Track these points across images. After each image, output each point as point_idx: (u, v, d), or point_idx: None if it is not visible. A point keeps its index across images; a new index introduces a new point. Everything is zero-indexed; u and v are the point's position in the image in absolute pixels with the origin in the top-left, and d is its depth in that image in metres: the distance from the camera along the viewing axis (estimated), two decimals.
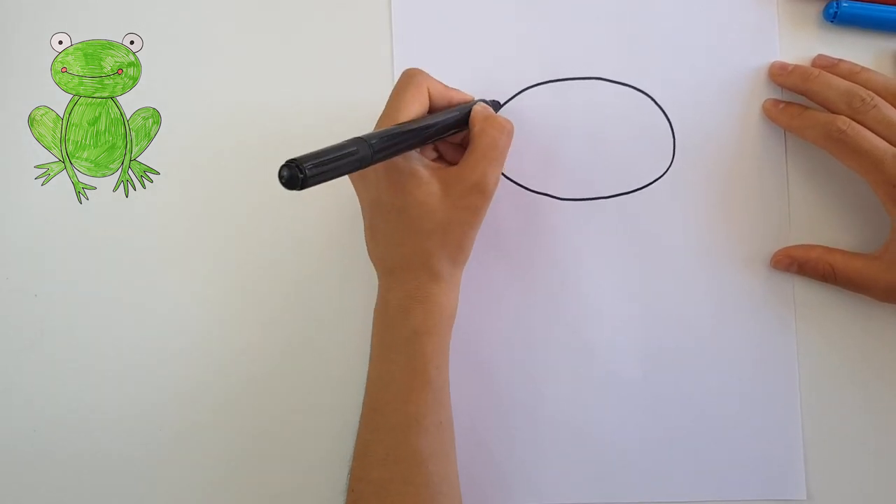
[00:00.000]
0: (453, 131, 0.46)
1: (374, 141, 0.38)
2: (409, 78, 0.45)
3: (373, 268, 0.48)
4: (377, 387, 0.45)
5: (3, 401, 0.52)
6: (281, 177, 0.35)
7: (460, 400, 0.47)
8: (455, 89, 0.48)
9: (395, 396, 0.44)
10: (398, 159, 0.43)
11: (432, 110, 0.46)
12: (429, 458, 0.43)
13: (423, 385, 0.44)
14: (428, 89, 0.45)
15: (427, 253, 0.45)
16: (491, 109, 0.48)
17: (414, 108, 0.44)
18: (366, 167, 0.38)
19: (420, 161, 0.45)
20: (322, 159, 0.36)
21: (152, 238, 0.52)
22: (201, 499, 0.51)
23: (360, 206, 0.47)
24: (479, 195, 0.45)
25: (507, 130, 0.46)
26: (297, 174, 0.34)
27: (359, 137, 0.38)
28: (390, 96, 0.45)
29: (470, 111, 0.47)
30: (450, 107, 0.47)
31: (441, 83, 0.47)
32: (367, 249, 0.48)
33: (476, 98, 0.49)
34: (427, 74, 0.46)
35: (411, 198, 0.44)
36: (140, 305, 0.52)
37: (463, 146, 0.47)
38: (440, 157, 0.49)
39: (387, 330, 0.46)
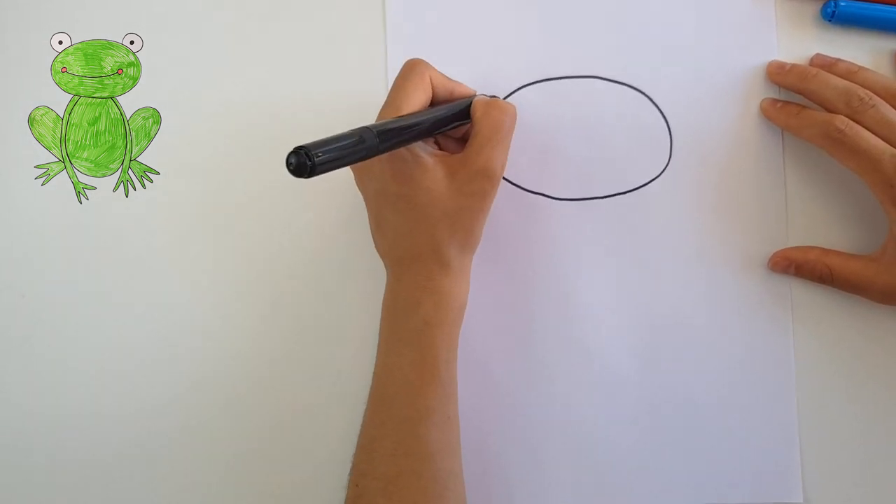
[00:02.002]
0: (456, 124, 0.46)
1: (380, 130, 0.38)
2: (412, 67, 0.45)
3: (374, 265, 0.47)
4: (385, 380, 0.45)
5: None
6: (289, 164, 0.35)
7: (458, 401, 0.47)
8: (457, 82, 0.48)
9: (403, 389, 0.44)
10: (402, 149, 0.43)
11: (435, 101, 0.46)
12: (437, 453, 0.43)
13: (432, 378, 0.44)
14: (430, 79, 0.45)
15: (436, 241, 0.44)
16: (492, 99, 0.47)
17: (417, 98, 0.44)
18: (372, 157, 0.38)
19: (424, 149, 0.44)
20: (330, 147, 0.35)
21: (152, 238, 0.52)
22: (197, 499, 0.51)
23: (363, 199, 0.47)
24: (485, 179, 0.44)
25: (511, 113, 0.46)
26: (306, 161, 0.34)
27: (365, 127, 0.38)
28: (393, 86, 0.45)
29: (471, 103, 0.46)
30: (452, 98, 0.47)
31: (443, 75, 0.46)
32: (374, 242, 0.48)
33: (477, 94, 0.49)
34: (429, 65, 0.45)
35: (417, 185, 0.43)
36: (140, 305, 0.52)
37: (464, 140, 0.47)
38: (441, 150, 0.48)
39: (396, 322, 0.45)
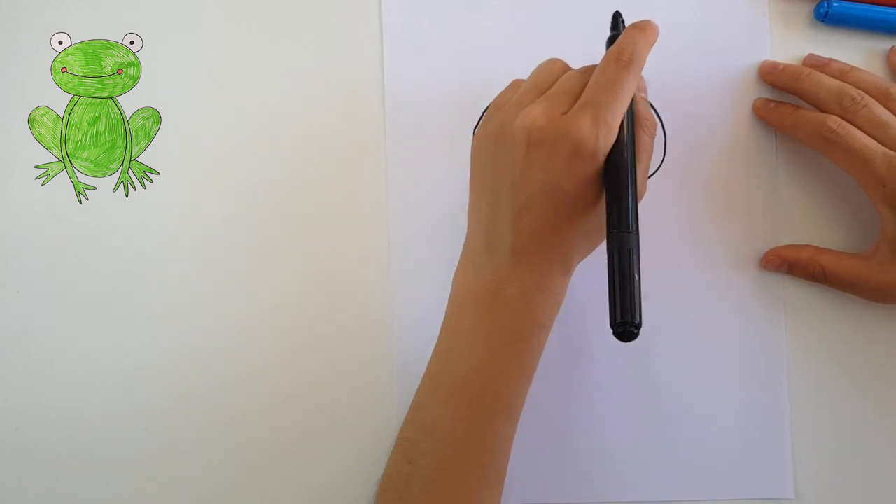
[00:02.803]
0: None
1: (636, 227, 0.41)
2: None
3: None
4: (469, 367, 0.43)
5: None
6: (618, 335, 0.39)
7: None
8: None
9: (492, 382, 0.43)
10: (600, 153, 0.42)
11: None
12: (503, 448, 0.43)
13: (524, 377, 0.44)
14: None
15: (574, 247, 0.44)
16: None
17: None
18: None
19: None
20: (636, 299, 0.39)
21: (152, 238, 0.52)
22: (190, 497, 0.51)
23: (505, 182, 0.43)
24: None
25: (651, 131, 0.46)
26: (633, 330, 0.39)
27: (626, 231, 0.41)
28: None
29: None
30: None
31: None
32: (485, 228, 0.44)
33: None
34: None
35: (588, 188, 0.42)
36: (140, 305, 0.52)
37: None
38: None
39: (498, 315, 0.43)
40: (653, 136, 0.46)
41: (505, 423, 0.43)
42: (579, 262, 0.45)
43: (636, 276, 0.40)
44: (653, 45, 0.44)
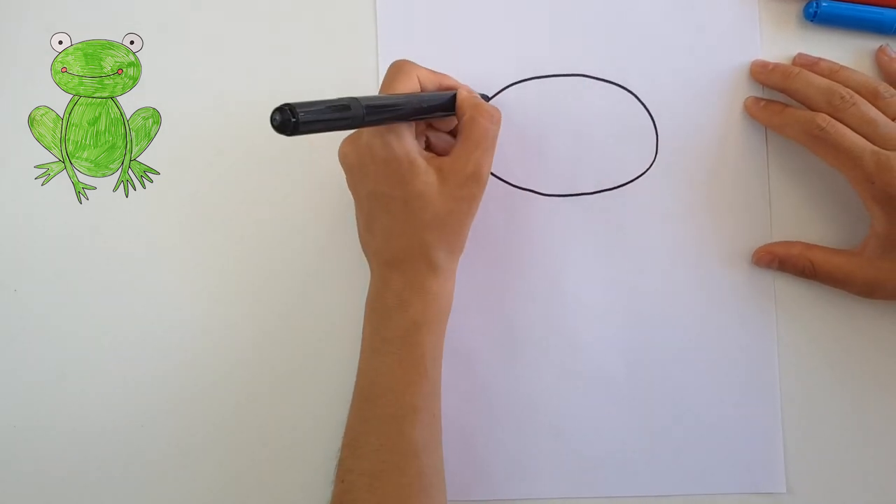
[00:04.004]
0: (441, 113, 0.46)
1: (368, 104, 0.39)
2: (399, 68, 0.45)
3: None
4: (371, 378, 0.45)
5: None
6: (273, 120, 0.35)
7: (445, 395, 0.47)
8: (444, 74, 0.48)
9: (390, 387, 0.44)
10: (396, 148, 0.43)
11: None
12: (422, 450, 0.44)
13: (419, 377, 0.45)
14: (418, 78, 0.46)
15: (426, 244, 0.45)
16: (478, 96, 0.48)
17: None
18: (356, 127, 0.38)
19: (418, 151, 0.45)
20: (315, 108, 0.36)
21: (152, 238, 0.52)
22: (187, 496, 0.51)
23: (354, 200, 0.48)
24: (475, 184, 0.45)
25: (497, 120, 0.46)
26: (290, 118, 0.35)
27: (352, 97, 0.38)
28: (382, 86, 0.45)
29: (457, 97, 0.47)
30: (440, 90, 0.47)
31: (430, 70, 0.47)
32: (362, 243, 0.48)
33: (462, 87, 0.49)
34: (415, 64, 0.46)
35: (411, 188, 0.44)
36: (140, 305, 0.52)
37: (454, 135, 0.47)
38: (429, 148, 0.49)
39: (382, 322, 0.46)
40: (495, 122, 0.46)
41: (414, 427, 0.44)
42: (450, 259, 0.46)
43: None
44: None
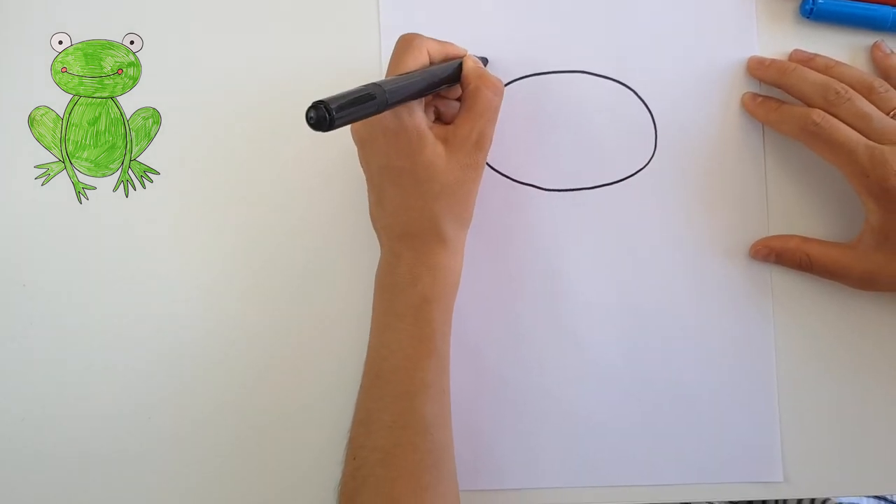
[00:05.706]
0: (448, 85, 0.47)
1: (388, 87, 0.39)
2: (409, 41, 0.45)
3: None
4: (381, 355, 0.46)
5: None
6: (309, 118, 0.36)
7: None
8: (448, 42, 0.48)
9: (401, 364, 0.45)
10: (406, 121, 0.44)
11: None
12: (433, 426, 0.44)
13: (430, 352, 0.45)
14: (427, 51, 0.46)
15: (435, 216, 0.45)
16: (481, 64, 0.48)
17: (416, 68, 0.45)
18: (382, 111, 0.39)
19: (426, 122, 0.45)
20: (346, 100, 0.37)
21: (152, 238, 0.52)
22: (192, 488, 0.52)
23: (365, 174, 0.48)
24: (478, 152, 0.46)
25: (500, 91, 0.47)
26: (325, 115, 0.35)
27: (374, 84, 0.39)
28: (390, 61, 0.45)
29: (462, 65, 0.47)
30: (447, 60, 0.47)
31: (436, 41, 0.47)
32: (372, 218, 0.48)
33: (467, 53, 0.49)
34: (423, 36, 0.46)
35: (420, 159, 0.44)
36: (139, 305, 0.52)
37: (459, 100, 0.48)
38: (438, 119, 0.49)
39: (393, 297, 0.46)
40: (498, 93, 0.47)
41: (427, 403, 0.44)
42: (459, 231, 0.47)
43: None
44: None
